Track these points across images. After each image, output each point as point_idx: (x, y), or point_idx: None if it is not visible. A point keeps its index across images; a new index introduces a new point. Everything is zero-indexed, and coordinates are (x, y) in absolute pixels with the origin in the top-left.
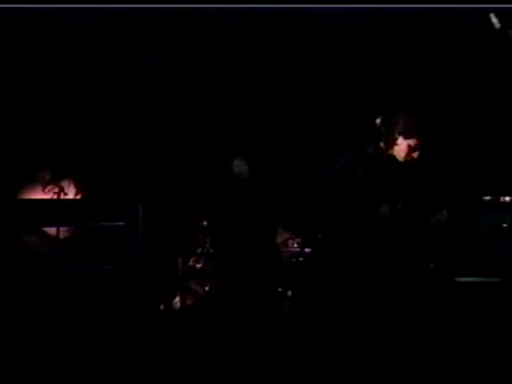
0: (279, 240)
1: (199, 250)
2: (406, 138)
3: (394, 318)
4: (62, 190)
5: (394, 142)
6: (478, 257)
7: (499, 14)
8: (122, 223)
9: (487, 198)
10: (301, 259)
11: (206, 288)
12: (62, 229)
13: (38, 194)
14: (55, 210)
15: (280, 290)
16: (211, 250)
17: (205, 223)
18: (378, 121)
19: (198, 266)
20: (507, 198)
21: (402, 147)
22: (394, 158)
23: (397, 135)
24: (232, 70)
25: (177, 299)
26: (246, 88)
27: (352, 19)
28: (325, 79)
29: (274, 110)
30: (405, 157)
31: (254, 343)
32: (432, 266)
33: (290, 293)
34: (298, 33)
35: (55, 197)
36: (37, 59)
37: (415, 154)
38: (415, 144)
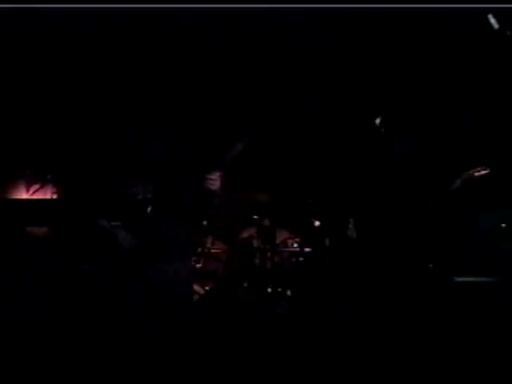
0: (279, 240)
1: (199, 249)
2: None
3: (393, 318)
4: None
5: None
6: (478, 257)
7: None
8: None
9: None
10: (301, 259)
11: (207, 288)
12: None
13: (22, 194)
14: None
15: (280, 289)
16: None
17: (204, 223)
18: (377, 121)
19: (198, 266)
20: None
21: None
22: None
23: None
24: None
25: None
26: None
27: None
28: None
29: None
30: None
31: (252, 343)
32: (431, 265)
33: (289, 293)
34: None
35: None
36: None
37: None
38: None
